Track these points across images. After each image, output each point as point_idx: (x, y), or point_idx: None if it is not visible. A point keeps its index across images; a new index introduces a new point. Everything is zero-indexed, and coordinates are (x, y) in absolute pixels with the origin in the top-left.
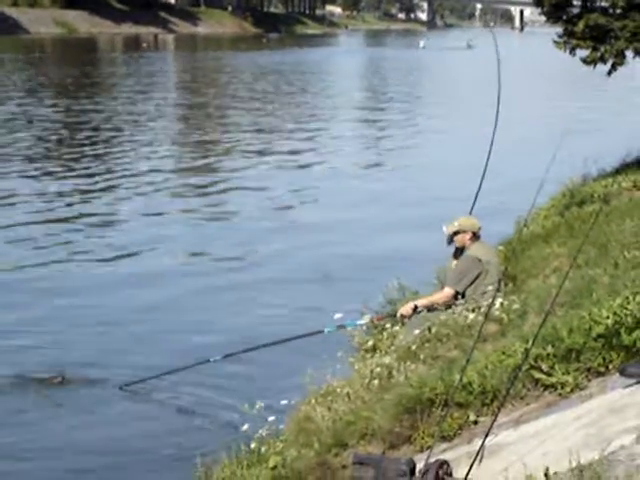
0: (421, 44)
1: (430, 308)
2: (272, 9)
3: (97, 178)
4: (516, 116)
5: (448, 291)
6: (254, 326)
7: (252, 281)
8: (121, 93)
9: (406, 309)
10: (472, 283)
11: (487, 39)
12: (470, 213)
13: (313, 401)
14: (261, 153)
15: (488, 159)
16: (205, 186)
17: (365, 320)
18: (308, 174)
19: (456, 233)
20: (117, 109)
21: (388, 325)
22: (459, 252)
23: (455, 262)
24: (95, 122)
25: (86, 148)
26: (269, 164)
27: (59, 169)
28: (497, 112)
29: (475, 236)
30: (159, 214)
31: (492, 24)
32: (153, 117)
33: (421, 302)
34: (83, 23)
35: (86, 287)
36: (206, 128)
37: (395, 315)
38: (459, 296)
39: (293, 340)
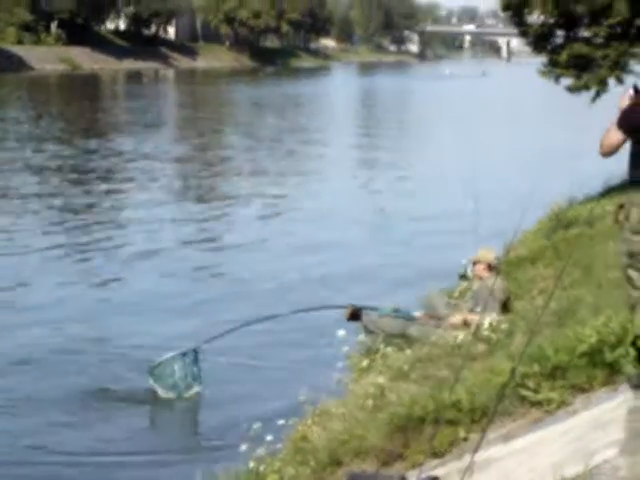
0: (447, 72)
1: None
2: (268, 43)
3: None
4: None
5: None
6: None
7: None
8: (120, 129)
9: (456, 320)
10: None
11: (492, 68)
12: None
13: (309, 421)
14: (259, 195)
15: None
16: (208, 214)
17: (418, 313)
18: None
19: (474, 263)
20: (118, 146)
21: (382, 346)
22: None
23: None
24: (95, 160)
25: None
26: (264, 205)
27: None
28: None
29: (490, 267)
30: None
31: (480, 54)
32: (153, 154)
33: (471, 317)
34: (86, 59)
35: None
36: (202, 160)
37: (441, 319)
38: None
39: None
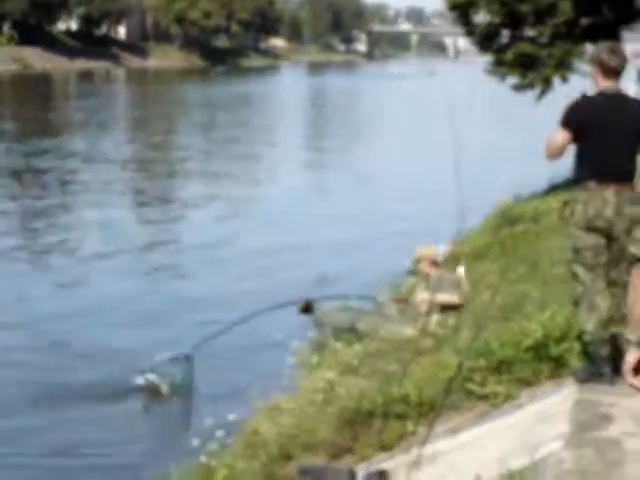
0: (395, 71)
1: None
2: (219, 43)
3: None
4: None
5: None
6: None
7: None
8: (73, 129)
9: (422, 298)
10: None
11: (439, 67)
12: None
13: (260, 416)
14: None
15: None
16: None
17: (385, 297)
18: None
19: (418, 261)
20: (71, 146)
21: (331, 341)
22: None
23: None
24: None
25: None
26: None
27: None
28: None
29: (434, 263)
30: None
31: (427, 54)
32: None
33: (439, 298)
34: (38, 59)
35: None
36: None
37: (407, 301)
38: None
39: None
